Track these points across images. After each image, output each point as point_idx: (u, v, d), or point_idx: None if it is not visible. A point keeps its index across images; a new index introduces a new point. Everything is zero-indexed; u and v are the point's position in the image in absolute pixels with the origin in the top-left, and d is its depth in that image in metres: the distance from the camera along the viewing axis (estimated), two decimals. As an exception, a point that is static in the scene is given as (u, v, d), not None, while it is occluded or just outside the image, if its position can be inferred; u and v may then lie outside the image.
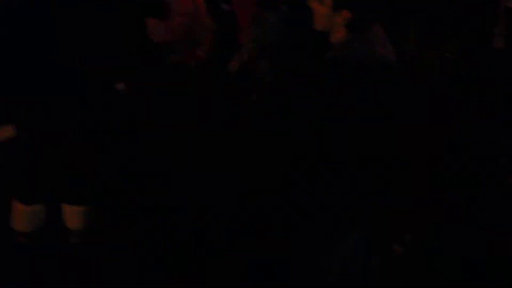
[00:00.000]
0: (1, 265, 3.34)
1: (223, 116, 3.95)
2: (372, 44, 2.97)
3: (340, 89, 2.91)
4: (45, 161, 3.33)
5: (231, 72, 3.82)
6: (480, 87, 4.58)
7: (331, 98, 2.94)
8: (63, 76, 3.07)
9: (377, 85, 2.92)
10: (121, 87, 3.45)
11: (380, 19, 3.07)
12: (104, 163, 3.49)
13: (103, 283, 3.28)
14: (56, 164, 3.36)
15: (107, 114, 3.34)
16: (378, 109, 2.93)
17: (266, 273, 3.29)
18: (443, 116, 3.99)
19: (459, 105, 4.29)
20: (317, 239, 3.07)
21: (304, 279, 3.11)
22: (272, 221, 3.38)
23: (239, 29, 4.08)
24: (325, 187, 2.99)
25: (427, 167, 3.41)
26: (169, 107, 3.51)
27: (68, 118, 3.21)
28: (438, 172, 3.43)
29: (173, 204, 3.55)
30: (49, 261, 3.39)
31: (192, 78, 3.49)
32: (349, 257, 3.01)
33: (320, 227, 3.05)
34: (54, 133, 3.24)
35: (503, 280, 2.70)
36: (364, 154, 2.95)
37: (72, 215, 3.50)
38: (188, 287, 3.23)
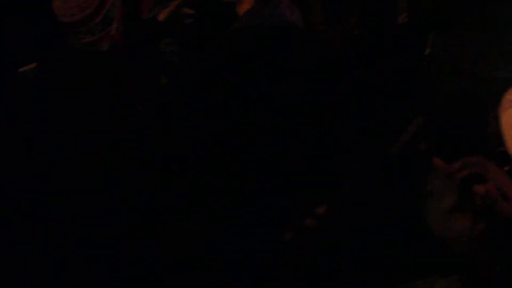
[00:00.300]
0: None
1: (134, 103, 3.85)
2: (281, 10, 3.00)
3: (251, 60, 2.92)
4: None
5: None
6: (383, 63, 4.70)
7: (241, 72, 2.94)
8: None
9: (288, 51, 2.94)
10: (30, 69, 3.36)
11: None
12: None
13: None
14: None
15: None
16: (289, 82, 2.96)
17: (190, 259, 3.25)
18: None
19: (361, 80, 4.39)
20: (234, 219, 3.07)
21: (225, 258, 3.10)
22: (194, 207, 3.34)
23: (141, 8, 4.03)
24: (239, 163, 2.99)
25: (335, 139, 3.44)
26: (78, 96, 3.40)
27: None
28: (344, 144, 3.49)
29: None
30: None
31: (104, 63, 3.38)
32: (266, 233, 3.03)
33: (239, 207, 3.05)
34: None
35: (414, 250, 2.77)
36: (276, 127, 2.96)
37: None
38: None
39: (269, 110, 2.92)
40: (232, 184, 3.05)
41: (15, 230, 3.20)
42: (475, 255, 1.90)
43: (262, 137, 2.95)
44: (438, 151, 3.43)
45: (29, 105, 3.34)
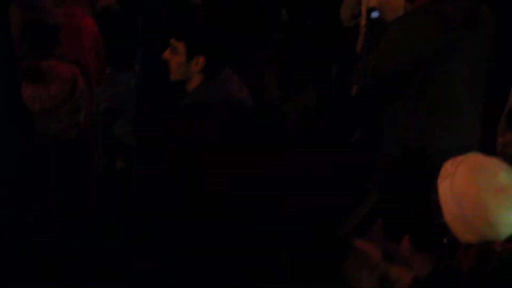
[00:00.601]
0: None
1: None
2: (227, 87, 3.05)
3: (198, 137, 2.94)
4: None
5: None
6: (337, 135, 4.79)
7: (189, 148, 2.95)
8: None
9: (233, 127, 2.97)
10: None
11: (236, 64, 3.18)
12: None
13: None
14: None
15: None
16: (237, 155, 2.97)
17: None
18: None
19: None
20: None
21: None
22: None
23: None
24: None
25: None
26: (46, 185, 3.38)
27: None
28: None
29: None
30: None
31: (73, 150, 3.40)
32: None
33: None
34: None
35: None
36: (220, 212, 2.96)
37: None
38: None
39: (216, 191, 2.92)
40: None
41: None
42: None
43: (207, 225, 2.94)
44: (385, 224, 3.47)
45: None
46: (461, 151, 2.60)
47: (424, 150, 3.23)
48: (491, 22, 3.30)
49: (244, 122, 3.05)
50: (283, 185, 3.22)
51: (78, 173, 3.23)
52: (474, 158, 2.28)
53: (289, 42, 6.04)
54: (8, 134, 3.60)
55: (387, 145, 3.38)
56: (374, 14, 3.59)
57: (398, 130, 3.31)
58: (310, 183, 3.72)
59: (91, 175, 3.37)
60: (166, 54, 3.08)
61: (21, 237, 3.16)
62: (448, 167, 2.28)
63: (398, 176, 3.31)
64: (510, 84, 4.49)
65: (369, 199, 3.66)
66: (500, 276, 2.23)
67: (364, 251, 1.78)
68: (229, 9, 5.01)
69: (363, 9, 4.72)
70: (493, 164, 2.24)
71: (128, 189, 3.91)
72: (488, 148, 3.18)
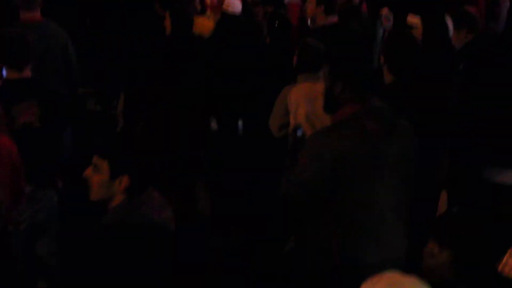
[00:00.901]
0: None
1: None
2: (146, 209, 3.03)
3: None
4: None
5: None
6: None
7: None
8: None
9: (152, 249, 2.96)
10: None
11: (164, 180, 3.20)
12: None
13: None
14: None
15: None
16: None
17: None
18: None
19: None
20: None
21: None
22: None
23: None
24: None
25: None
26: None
27: None
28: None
29: None
30: None
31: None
32: None
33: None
34: None
35: None
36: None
37: None
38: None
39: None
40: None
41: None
42: None
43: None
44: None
45: None
46: (386, 264, 2.60)
47: (348, 265, 3.23)
48: (410, 132, 3.39)
49: (160, 246, 3.03)
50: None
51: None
52: (390, 277, 2.28)
53: (220, 152, 6.11)
54: None
55: (312, 262, 3.38)
56: (299, 132, 3.64)
57: (322, 245, 3.30)
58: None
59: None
60: (88, 172, 3.05)
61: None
62: (365, 286, 2.29)
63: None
64: (439, 192, 4.60)
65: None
66: None
67: None
68: (156, 126, 5.06)
69: (291, 121, 4.81)
70: (409, 283, 2.26)
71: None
72: (416, 259, 3.22)
